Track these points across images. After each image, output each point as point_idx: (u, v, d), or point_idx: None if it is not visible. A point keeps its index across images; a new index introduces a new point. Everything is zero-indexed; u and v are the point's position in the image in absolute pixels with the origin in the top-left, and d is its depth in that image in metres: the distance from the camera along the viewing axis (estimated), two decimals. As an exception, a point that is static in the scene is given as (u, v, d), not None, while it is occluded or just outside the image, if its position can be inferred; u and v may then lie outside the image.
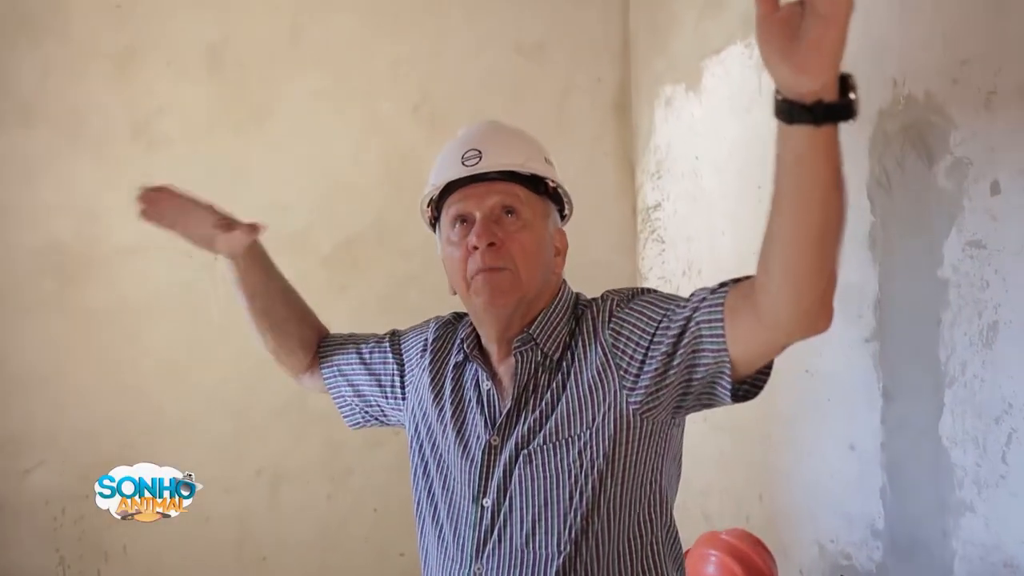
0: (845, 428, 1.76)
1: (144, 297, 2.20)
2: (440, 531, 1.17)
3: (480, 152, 1.15)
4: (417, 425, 1.25)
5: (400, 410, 1.31)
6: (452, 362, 1.23)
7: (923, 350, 1.57)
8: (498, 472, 1.11)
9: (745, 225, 2.03)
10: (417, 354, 1.30)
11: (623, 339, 1.07)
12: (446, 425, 1.19)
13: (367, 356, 1.35)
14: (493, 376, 1.17)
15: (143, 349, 2.20)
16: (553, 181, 1.18)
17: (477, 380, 1.19)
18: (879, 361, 1.68)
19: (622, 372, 1.06)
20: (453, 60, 2.44)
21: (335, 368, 1.37)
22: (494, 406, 1.16)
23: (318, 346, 1.39)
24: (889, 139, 1.63)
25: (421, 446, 1.23)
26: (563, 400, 1.10)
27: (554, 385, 1.12)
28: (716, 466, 2.15)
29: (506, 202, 1.14)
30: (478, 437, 1.15)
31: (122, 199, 2.18)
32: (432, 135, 2.41)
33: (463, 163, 1.16)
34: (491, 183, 1.14)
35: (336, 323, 2.33)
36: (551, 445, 1.08)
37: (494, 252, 1.11)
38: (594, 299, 1.17)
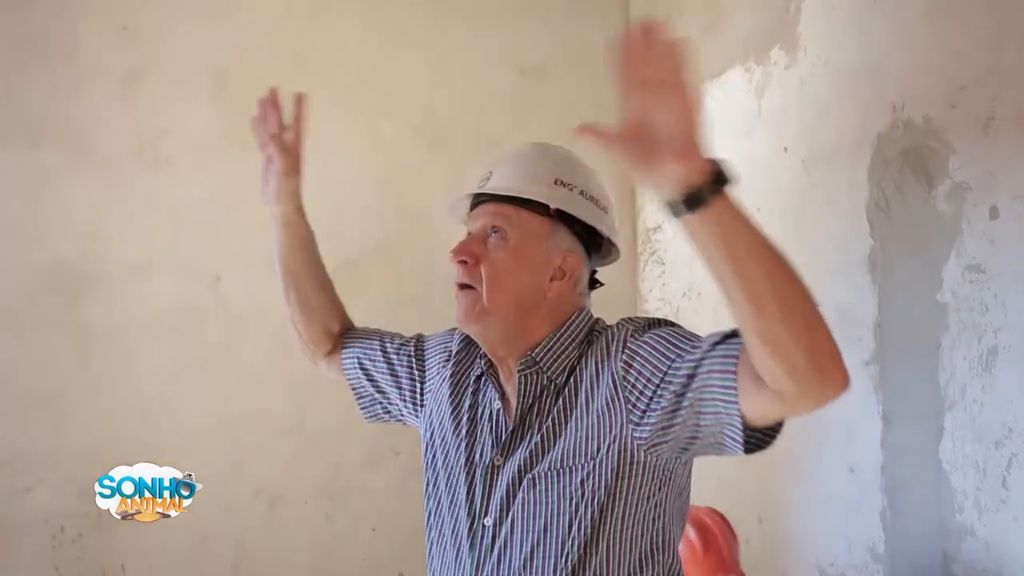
0: (845, 451, 1.76)
1: (146, 316, 2.21)
2: (444, 546, 1.17)
3: (491, 174, 1.19)
4: (433, 434, 1.25)
5: (417, 416, 1.32)
6: (473, 375, 1.23)
7: (923, 374, 1.58)
8: (500, 492, 1.11)
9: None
10: (439, 363, 1.30)
11: (634, 372, 1.05)
12: (460, 439, 1.19)
13: (392, 355, 1.35)
14: (502, 395, 1.17)
15: (145, 368, 2.20)
16: (555, 205, 1.14)
17: (490, 398, 1.19)
18: (879, 384, 1.68)
19: (630, 406, 1.04)
20: (456, 81, 2.46)
21: (355, 359, 1.38)
22: (501, 425, 1.16)
23: (341, 336, 1.42)
24: (888, 163, 1.64)
25: (434, 457, 1.23)
26: (568, 426, 1.09)
27: (557, 410, 1.11)
28: (716, 488, 2.14)
29: (494, 222, 1.14)
30: (483, 454, 1.15)
31: (126, 219, 2.22)
32: (434, 156, 2.43)
33: (477, 184, 1.20)
34: (490, 204, 1.16)
35: (337, 343, 2.34)
36: (555, 473, 1.08)
37: (465, 269, 1.14)
38: (610, 326, 1.16)
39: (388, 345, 1.37)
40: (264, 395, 2.29)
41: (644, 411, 1.03)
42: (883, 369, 1.68)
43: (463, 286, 1.14)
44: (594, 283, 1.24)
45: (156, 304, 2.21)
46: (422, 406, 1.31)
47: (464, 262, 1.14)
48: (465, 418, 1.20)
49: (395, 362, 1.34)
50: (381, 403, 1.39)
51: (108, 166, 2.19)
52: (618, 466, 1.05)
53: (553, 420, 1.11)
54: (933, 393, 1.56)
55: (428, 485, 1.23)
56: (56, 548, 2.11)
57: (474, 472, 1.15)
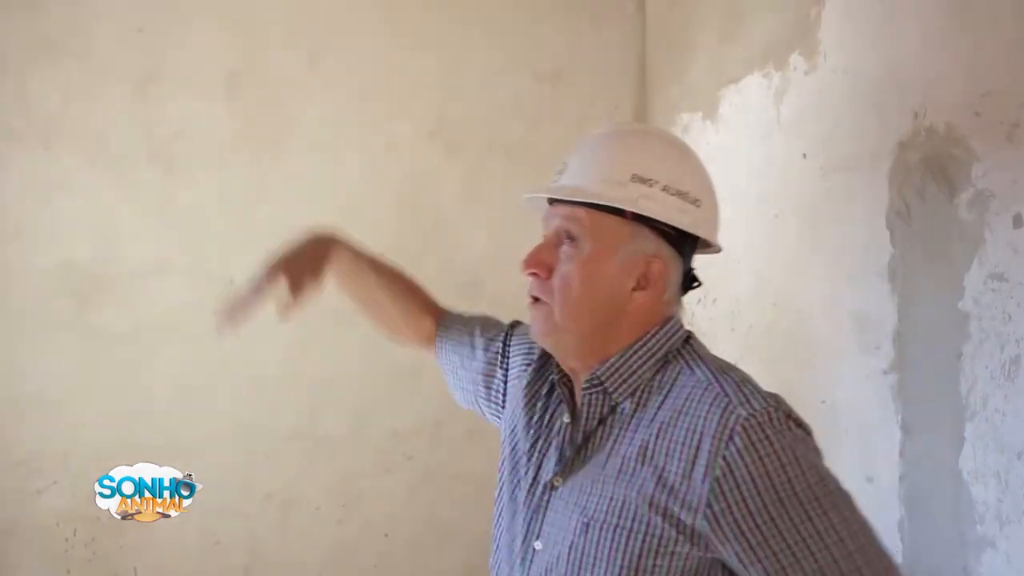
0: (863, 460, 1.74)
1: (159, 320, 2.20)
2: (500, 560, 1.12)
3: (566, 165, 1.07)
4: (506, 441, 1.18)
5: (498, 416, 1.29)
6: (552, 378, 1.14)
7: (943, 383, 1.56)
8: (553, 519, 1.03)
9: (761, 253, 2.02)
10: (521, 365, 1.24)
11: (730, 518, 0.90)
12: (529, 450, 1.11)
13: (480, 351, 1.33)
14: (573, 409, 1.08)
15: (157, 372, 2.20)
16: (629, 208, 1.01)
17: (562, 410, 1.10)
18: (898, 393, 1.66)
19: (707, 534, 0.92)
20: (470, 86, 2.45)
21: (445, 354, 1.38)
22: (566, 443, 1.06)
23: (437, 328, 1.41)
24: (910, 170, 1.63)
25: (503, 463, 1.17)
26: (631, 464, 0.97)
27: (620, 438, 1.00)
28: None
29: (566, 227, 1.03)
30: (545, 471, 1.07)
31: (140, 221, 2.21)
32: (448, 160, 2.43)
33: (555, 175, 1.09)
34: (562, 203, 1.05)
35: (350, 348, 2.35)
36: (610, 529, 0.96)
37: (537, 283, 1.05)
38: (702, 360, 1.01)
39: (478, 340, 1.33)
40: (276, 399, 2.29)
41: (726, 550, 0.92)
42: (902, 378, 1.66)
43: (536, 299, 1.05)
44: (690, 281, 1.10)
45: (169, 307, 2.21)
46: (503, 407, 1.26)
47: (535, 274, 1.05)
48: (536, 428, 1.12)
49: (483, 359, 1.31)
50: (473, 393, 1.36)
51: (121, 168, 2.19)
52: (675, 550, 0.93)
53: (615, 450, 1.00)
54: (954, 403, 1.54)
55: (498, 491, 1.16)
56: (68, 551, 2.11)
57: (536, 488, 1.07)
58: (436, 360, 1.41)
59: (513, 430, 1.17)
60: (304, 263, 1.36)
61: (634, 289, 1.03)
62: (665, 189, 1.02)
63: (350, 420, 2.34)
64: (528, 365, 1.22)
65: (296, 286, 1.32)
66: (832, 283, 1.82)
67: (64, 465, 2.12)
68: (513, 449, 1.15)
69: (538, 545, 1.04)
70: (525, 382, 1.19)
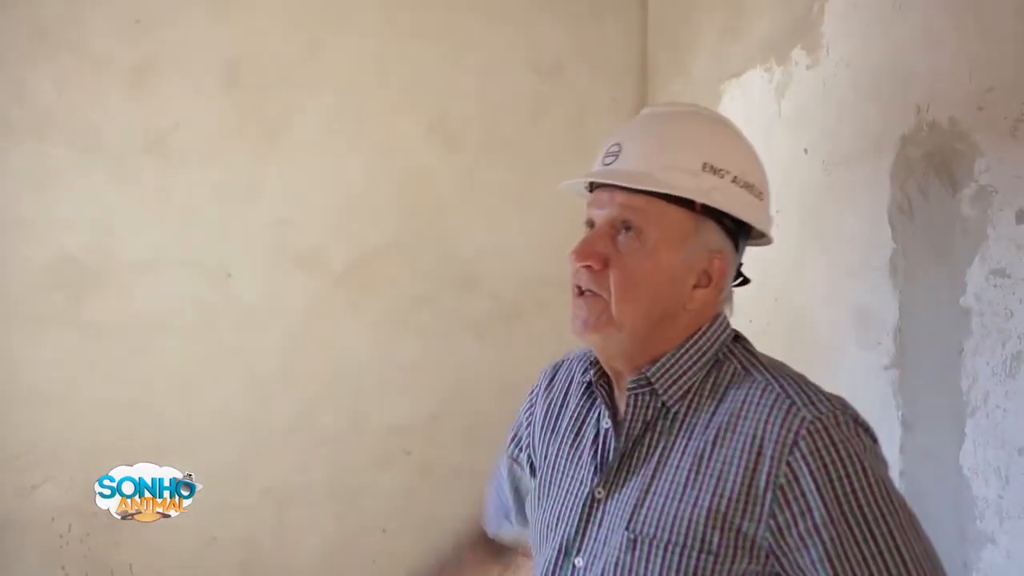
0: (863, 456, 1.74)
1: (155, 313, 2.19)
2: (534, 571, 1.06)
3: (620, 147, 0.97)
4: (538, 454, 1.12)
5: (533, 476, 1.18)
6: (576, 381, 1.08)
7: (944, 379, 1.55)
8: (597, 535, 0.95)
9: (762, 248, 2.00)
10: (524, 423, 1.17)
11: (793, 536, 0.85)
12: (560, 459, 1.04)
13: (507, 491, 1.25)
14: (614, 413, 1.00)
15: (153, 366, 2.18)
16: (702, 200, 0.94)
17: (599, 415, 1.02)
18: (898, 389, 1.66)
19: (770, 547, 0.86)
20: (470, 79, 2.44)
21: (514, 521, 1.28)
22: (607, 450, 0.98)
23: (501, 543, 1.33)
24: (912, 166, 1.62)
25: (540, 477, 1.10)
26: (683, 475, 0.90)
27: (670, 446, 0.93)
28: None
29: (625, 216, 0.94)
30: (583, 482, 0.99)
31: (135, 214, 2.19)
32: (448, 154, 2.41)
33: (603, 158, 0.99)
34: (619, 189, 0.95)
35: (349, 343, 2.33)
36: (661, 547, 0.89)
37: (590, 275, 0.95)
38: (755, 360, 0.94)
39: (501, 491, 1.26)
40: (274, 393, 2.27)
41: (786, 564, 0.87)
42: (903, 374, 1.65)
43: (588, 293, 0.96)
44: (739, 279, 1.03)
45: (165, 301, 2.19)
46: (528, 460, 1.18)
47: (588, 266, 0.95)
48: (571, 437, 1.04)
49: (511, 488, 1.23)
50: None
51: (117, 160, 2.17)
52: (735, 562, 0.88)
53: (666, 459, 0.92)
54: (955, 399, 1.53)
55: (535, 503, 1.09)
56: (63, 547, 2.09)
57: (571, 502, 0.99)
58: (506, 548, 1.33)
59: (543, 444, 1.10)
60: None
61: (695, 286, 0.95)
62: (735, 181, 0.95)
63: (348, 415, 2.33)
64: (531, 409, 1.16)
65: None
66: (833, 279, 1.81)
67: (59, 460, 2.10)
68: (546, 460, 1.08)
69: (579, 562, 0.96)
70: (537, 412, 1.13)
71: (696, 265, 0.95)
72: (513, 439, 1.22)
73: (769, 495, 0.84)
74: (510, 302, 2.40)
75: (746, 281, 1.05)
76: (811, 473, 0.83)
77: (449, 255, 2.38)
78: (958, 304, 1.53)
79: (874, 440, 0.91)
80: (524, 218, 2.45)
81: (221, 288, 2.23)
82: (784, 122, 1.97)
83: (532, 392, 1.19)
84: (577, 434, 1.04)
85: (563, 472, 1.03)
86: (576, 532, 0.97)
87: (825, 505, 0.83)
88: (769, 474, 0.85)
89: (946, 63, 1.56)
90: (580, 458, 1.01)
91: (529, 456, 1.17)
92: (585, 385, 1.06)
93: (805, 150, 1.90)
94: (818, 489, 0.83)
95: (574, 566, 0.96)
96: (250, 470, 2.24)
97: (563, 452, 1.05)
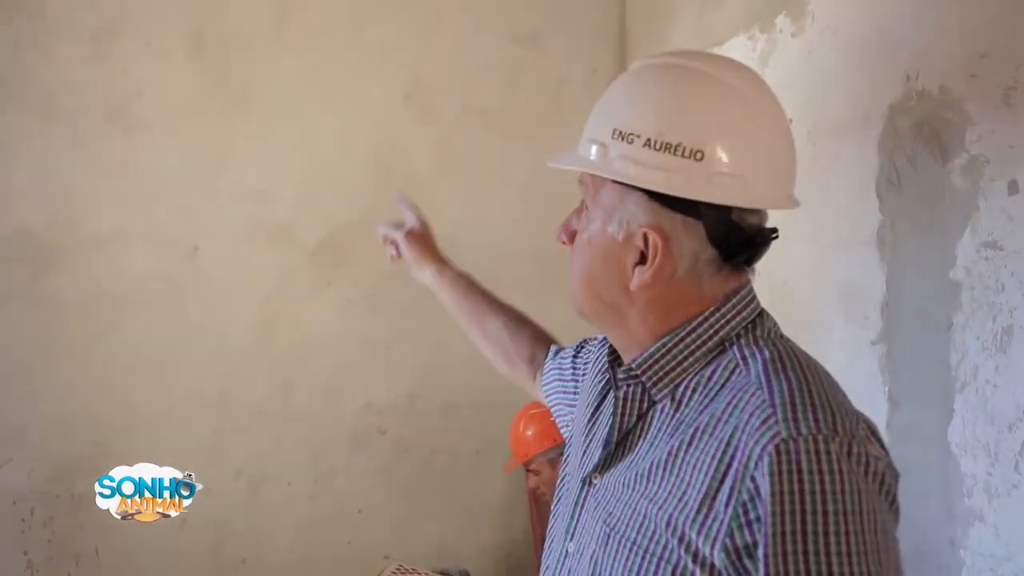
0: (848, 433, 1.71)
1: (120, 289, 2.11)
2: (547, 559, 0.99)
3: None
4: (572, 431, 1.10)
5: None
6: (606, 358, 1.01)
7: (933, 354, 1.53)
8: (585, 520, 0.90)
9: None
10: (591, 364, 1.12)
11: (746, 565, 0.74)
12: (580, 441, 1.00)
13: (567, 375, 1.22)
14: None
15: (118, 343, 2.11)
16: (590, 171, 0.88)
17: (611, 399, 0.96)
18: (885, 364, 1.63)
19: (725, 572, 0.75)
20: (446, 47, 2.36)
21: (550, 380, 1.27)
22: (611, 435, 0.91)
23: (546, 358, 1.31)
24: (900, 136, 1.58)
25: (566, 456, 1.07)
26: (656, 485, 0.82)
27: (656, 452, 0.84)
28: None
29: (582, 193, 0.92)
30: (587, 465, 0.94)
31: (97, 185, 2.11)
32: (423, 125, 2.34)
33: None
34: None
35: (321, 320, 2.27)
36: (627, 545, 0.82)
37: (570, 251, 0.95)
38: (773, 369, 0.80)
39: (571, 362, 1.22)
40: (245, 372, 2.21)
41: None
42: (890, 349, 1.63)
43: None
44: (745, 246, 0.86)
45: (129, 276, 2.12)
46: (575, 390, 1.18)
47: (565, 243, 0.94)
48: (588, 417, 1.00)
49: (575, 367, 1.20)
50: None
51: (77, 129, 2.08)
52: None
53: (648, 452, 0.86)
54: (943, 374, 1.51)
55: (559, 484, 1.05)
56: (25, 531, 2.03)
57: (575, 484, 0.96)
58: (546, 400, 1.28)
59: (575, 421, 1.07)
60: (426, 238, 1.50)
61: (636, 264, 0.86)
62: (649, 144, 0.83)
63: (321, 394, 2.28)
64: (595, 361, 1.09)
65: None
66: (819, 252, 1.78)
67: (20, 441, 2.03)
68: (570, 440, 1.05)
69: (571, 547, 0.91)
70: (594, 371, 1.08)
71: (629, 241, 0.86)
72: (579, 353, 1.21)
73: (730, 511, 0.74)
74: (488, 277, 2.34)
75: (750, 256, 0.88)
76: (768, 495, 0.72)
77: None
78: (948, 277, 1.50)
79: (879, 481, 0.77)
80: (501, 191, 2.40)
81: (188, 263, 2.16)
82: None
83: (595, 346, 1.16)
84: (596, 414, 0.99)
85: (579, 447, 0.99)
86: (572, 516, 0.93)
87: (768, 538, 0.72)
88: (733, 487, 0.74)
89: (937, 28, 1.52)
90: (595, 437, 0.95)
91: (575, 389, 1.17)
92: (602, 374, 1.01)
93: (790, 120, 1.85)
94: (769, 516, 0.72)
95: (567, 551, 0.92)
96: (220, 451, 2.18)
97: (583, 428, 1.00)
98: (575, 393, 1.19)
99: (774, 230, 0.89)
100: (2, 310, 2.03)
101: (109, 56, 2.10)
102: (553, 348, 1.34)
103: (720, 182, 0.82)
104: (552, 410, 1.28)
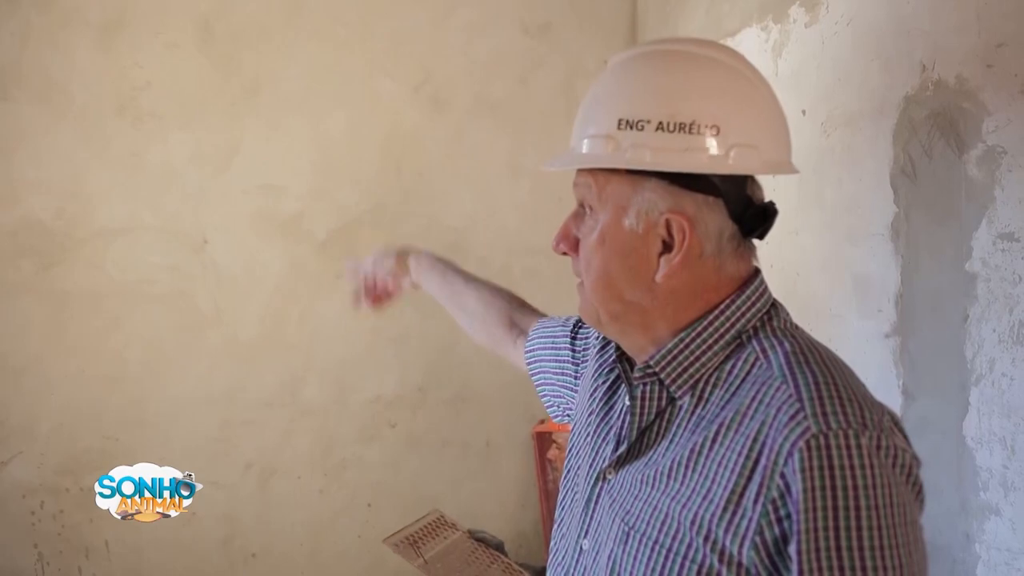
0: (862, 426, 1.70)
1: (128, 282, 2.11)
2: (557, 552, 0.98)
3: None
4: (575, 423, 1.07)
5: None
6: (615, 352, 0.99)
7: (948, 346, 1.51)
8: (601, 517, 0.88)
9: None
10: (597, 346, 1.09)
11: (776, 563, 0.74)
12: (589, 434, 0.98)
13: (562, 345, 1.19)
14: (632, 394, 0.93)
15: (127, 337, 2.11)
16: (604, 164, 0.85)
17: (624, 393, 0.95)
18: (900, 357, 1.62)
19: (755, 569, 0.75)
20: (457, 38, 2.36)
21: (535, 351, 1.25)
22: (625, 430, 0.90)
23: (529, 329, 1.29)
24: (916, 126, 1.56)
25: (570, 449, 1.05)
26: (679, 483, 0.81)
27: (677, 450, 0.83)
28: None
29: (581, 195, 0.88)
30: (600, 460, 0.92)
31: (106, 177, 2.10)
32: (434, 116, 2.34)
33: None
34: (582, 170, 0.90)
35: (331, 313, 2.26)
36: (649, 544, 0.81)
37: (573, 262, 0.91)
38: (795, 362, 0.79)
39: (562, 334, 1.20)
40: (255, 365, 2.21)
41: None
42: (904, 341, 1.61)
43: (578, 280, 0.91)
44: (756, 220, 0.85)
45: (139, 269, 2.11)
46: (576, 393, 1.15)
47: (567, 253, 0.90)
48: (600, 410, 0.97)
49: (570, 347, 1.17)
50: (564, 407, 1.21)
51: (86, 121, 2.08)
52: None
53: (669, 450, 0.84)
54: (959, 366, 1.49)
55: (563, 479, 1.03)
56: (35, 525, 2.03)
57: (587, 479, 0.93)
58: (527, 367, 1.26)
59: (579, 412, 1.04)
60: (386, 261, 1.47)
61: (661, 254, 0.84)
62: (661, 127, 0.81)
63: (331, 387, 2.27)
64: (604, 346, 1.06)
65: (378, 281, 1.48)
66: (833, 244, 1.77)
67: (29, 434, 2.03)
68: (576, 433, 1.02)
69: (585, 544, 0.90)
70: (597, 361, 1.05)
71: (651, 231, 0.84)
72: (576, 333, 1.19)
73: (758, 509, 0.73)
74: (499, 270, 2.34)
75: (758, 230, 0.87)
76: (800, 492, 0.72)
77: (436, 222, 2.31)
78: (963, 269, 1.48)
79: (906, 473, 0.76)
80: (513, 183, 2.39)
81: (197, 255, 2.15)
82: (781, 83, 1.91)
83: (593, 335, 1.14)
84: (605, 409, 0.97)
85: (587, 447, 0.97)
86: (586, 512, 0.91)
87: (801, 534, 0.71)
88: (762, 484, 0.74)
89: (953, 18, 1.50)
90: (609, 432, 0.93)
91: (577, 372, 1.15)
92: (612, 366, 0.99)
93: (803, 111, 1.84)
94: (802, 513, 0.71)
95: (581, 548, 0.91)
96: (230, 444, 2.18)
97: (593, 422, 0.98)
98: (575, 377, 1.17)
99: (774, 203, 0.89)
100: (12, 302, 2.03)
101: (119, 47, 2.10)
102: (540, 318, 1.33)
103: (738, 153, 0.82)
104: (535, 380, 1.25)
